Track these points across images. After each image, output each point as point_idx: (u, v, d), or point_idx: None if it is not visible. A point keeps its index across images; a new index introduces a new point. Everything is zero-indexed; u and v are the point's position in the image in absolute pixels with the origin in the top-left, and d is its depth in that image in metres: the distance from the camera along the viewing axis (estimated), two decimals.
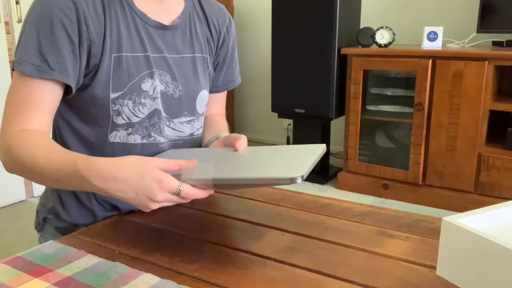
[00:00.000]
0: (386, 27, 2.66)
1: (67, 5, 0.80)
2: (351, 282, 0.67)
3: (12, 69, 0.83)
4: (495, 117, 2.43)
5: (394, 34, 2.64)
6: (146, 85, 0.88)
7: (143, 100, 0.88)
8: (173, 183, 0.69)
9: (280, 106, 2.98)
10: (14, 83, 0.83)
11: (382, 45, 2.66)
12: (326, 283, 0.67)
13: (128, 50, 0.86)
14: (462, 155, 2.44)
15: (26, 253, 0.75)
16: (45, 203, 1.00)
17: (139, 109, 0.88)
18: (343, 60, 2.75)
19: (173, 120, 0.95)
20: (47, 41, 0.80)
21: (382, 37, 2.66)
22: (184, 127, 0.97)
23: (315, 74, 2.79)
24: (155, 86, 0.90)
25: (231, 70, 1.09)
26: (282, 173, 0.69)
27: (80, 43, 0.82)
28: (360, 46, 2.75)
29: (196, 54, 0.97)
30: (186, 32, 0.96)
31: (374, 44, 2.69)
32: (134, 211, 0.96)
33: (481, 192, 2.44)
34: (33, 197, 2.77)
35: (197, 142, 1.02)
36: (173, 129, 0.95)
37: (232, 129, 3.88)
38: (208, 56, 1.01)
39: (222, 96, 1.13)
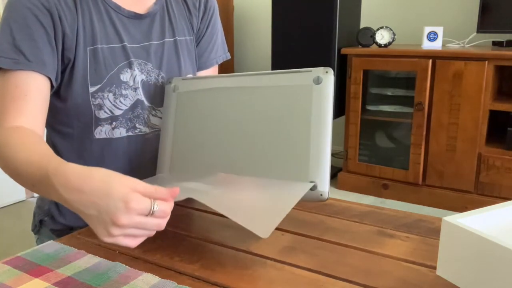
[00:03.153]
0: (386, 27, 2.66)
1: None
2: (351, 282, 0.67)
3: None
4: (495, 117, 2.43)
5: (394, 34, 2.64)
6: (125, 76, 0.88)
7: (123, 92, 0.87)
8: (144, 203, 0.56)
9: None
10: (1, 81, 0.81)
11: (382, 45, 2.66)
12: (326, 283, 0.67)
13: (103, 42, 0.86)
14: (462, 155, 2.44)
15: (26, 253, 0.75)
16: (41, 205, 0.99)
17: (120, 101, 0.88)
18: (343, 60, 2.75)
19: (159, 109, 0.94)
20: (22, 34, 0.79)
21: (382, 37, 2.66)
22: None
23: None
24: (135, 76, 0.89)
25: (216, 45, 1.06)
26: (251, 224, 0.67)
27: (55, 34, 0.81)
28: (360, 46, 2.75)
29: (177, 38, 0.96)
30: (164, 17, 0.95)
31: (374, 44, 2.69)
32: None
33: (481, 192, 2.44)
34: (33, 197, 2.77)
35: None
36: (160, 118, 0.94)
37: None
38: (192, 37, 1.00)
39: (211, 72, 1.09)
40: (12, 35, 0.79)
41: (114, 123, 0.88)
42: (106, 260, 0.72)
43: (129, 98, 0.89)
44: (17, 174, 0.72)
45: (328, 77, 0.76)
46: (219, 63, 1.08)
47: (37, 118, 0.81)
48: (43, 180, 0.64)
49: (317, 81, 0.76)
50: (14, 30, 0.79)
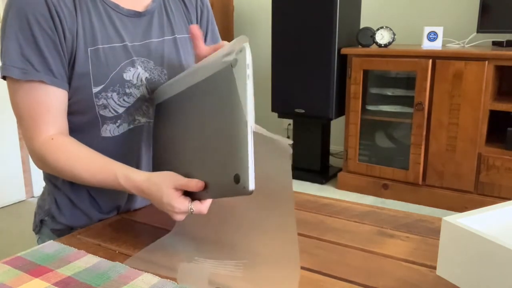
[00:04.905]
0: (386, 27, 2.66)
1: (38, 2, 0.80)
2: (351, 282, 0.67)
3: (3, 77, 0.83)
4: (495, 117, 2.43)
5: (394, 34, 2.64)
6: (128, 75, 0.88)
7: (127, 90, 0.88)
8: (183, 207, 0.72)
9: (280, 106, 2.98)
10: (13, 90, 0.83)
11: (382, 45, 2.66)
12: (326, 283, 0.67)
13: (104, 42, 0.86)
14: (462, 155, 2.44)
15: (26, 253, 0.75)
16: (41, 205, 0.99)
17: (124, 100, 0.88)
18: (343, 60, 2.75)
19: None
20: (28, 42, 0.80)
21: (382, 37, 2.66)
22: None
23: (315, 74, 2.79)
24: (138, 74, 0.89)
25: (215, 40, 1.07)
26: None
27: (59, 38, 0.82)
28: (360, 46, 2.75)
29: (177, 35, 0.97)
30: (162, 15, 0.95)
31: (374, 44, 2.69)
32: (134, 211, 0.96)
33: (481, 192, 2.44)
34: (33, 197, 2.77)
35: None
36: None
37: None
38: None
39: None
40: (19, 43, 0.80)
41: (118, 121, 0.89)
42: (106, 260, 0.72)
43: (133, 96, 0.89)
44: (77, 180, 0.84)
45: (241, 56, 0.66)
46: None
47: (64, 123, 0.87)
48: (113, 185, 0.80)
49: (235, 63, 0.67)
50: (20, 39, 0.80)
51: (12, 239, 2.25)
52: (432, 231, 0.84)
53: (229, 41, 0.98)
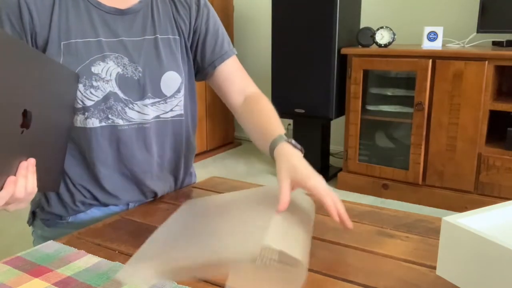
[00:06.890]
0: (386, 27, 2.66)
1: (12, 1, 0.85)
2: (351, 282, 0.67)
3: None
4: (495, 117, 2.43)
5: (394, 34, 2.64)
6: (97, 68, 0.90)
7: (94, 83, 0.90)
8: None
9: (280, 106, 2.96)
10: None
11: (382, 45, 2.66)
12: (326, 283, 0.67)
13: (78, 36, 0.90)
14: (462, 155, 2.44)
15: (26, 253, 0.75)
16: (34, 198, 1.02)
17: (91, 92, 0.90)
18: (343, 60, 2.75)
19: (136, 102, 0.95)
20: None
21: (382, 37, 2.66)
22: (148, 110, 0.96)
23: (315, 74, 2.79)
24: (108, 68, 0.91)
25: (218, 43, 1.06)
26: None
27: (25, 33, 0.87)
28: (360, 46, 2.75)
29: (158, 36, 0.97)
30: (147, 15, 0.97)
31: (374, 44, 2.68)
32: (134, 211, 0.96)
33: (481, 192, 2.44)
34: None
35: (168, 125, 1.01)
36: (138, 111, 0.95)
37: (232, 130, 3.88)
38: (177, 37, 1.00)
39: (234, 70, 1.09)
40: None
41: (86, 113, 0.92)
42: (106, 260, 0.72)
43: (101, 90, 0.91)
44: None
45: None
46: (226, 60, 1.07)
47: None
48: None
49: None
50: None
51: (12, 239, 2.25)
52: (432, 231, 0.84)
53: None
